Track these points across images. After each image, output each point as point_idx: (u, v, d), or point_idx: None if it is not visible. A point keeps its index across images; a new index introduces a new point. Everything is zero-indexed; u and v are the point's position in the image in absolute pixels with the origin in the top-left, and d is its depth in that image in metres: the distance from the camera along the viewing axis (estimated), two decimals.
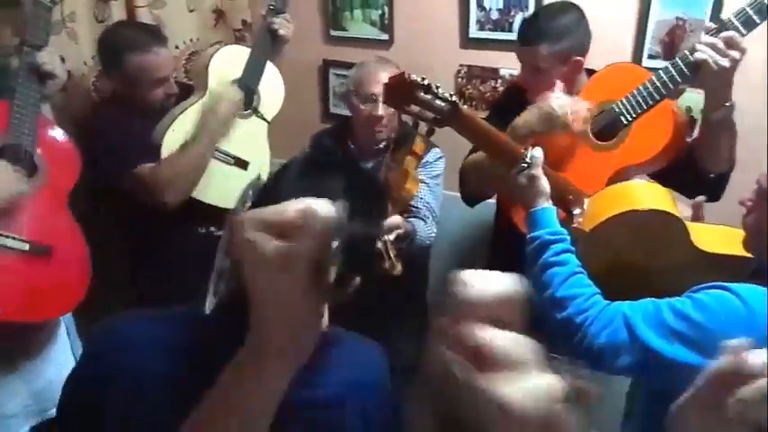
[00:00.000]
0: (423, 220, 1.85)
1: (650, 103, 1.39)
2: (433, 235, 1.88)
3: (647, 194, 1.21)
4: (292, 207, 0.47)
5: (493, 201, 1.86)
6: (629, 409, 1.54)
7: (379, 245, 1.54)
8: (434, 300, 2.11)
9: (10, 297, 1.26)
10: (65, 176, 1.53)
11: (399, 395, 0.88)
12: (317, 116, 2.58)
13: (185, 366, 0.71)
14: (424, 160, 1.86)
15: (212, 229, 1.95)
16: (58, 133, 1.56)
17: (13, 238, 1.37)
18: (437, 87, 1.12)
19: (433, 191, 1.89)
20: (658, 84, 1.37)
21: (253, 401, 0.53)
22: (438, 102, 1.12)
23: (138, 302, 1.96)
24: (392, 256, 1.56)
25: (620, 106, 1.43)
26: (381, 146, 1.88)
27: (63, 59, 1.77)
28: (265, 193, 0.77)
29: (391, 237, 1.61)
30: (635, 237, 1.19)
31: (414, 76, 1.11)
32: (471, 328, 0.35)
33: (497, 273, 0.38)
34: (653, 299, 1.05)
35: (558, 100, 1.40)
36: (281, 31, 1.87)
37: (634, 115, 1.42)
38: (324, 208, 0.47)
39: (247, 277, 0.49)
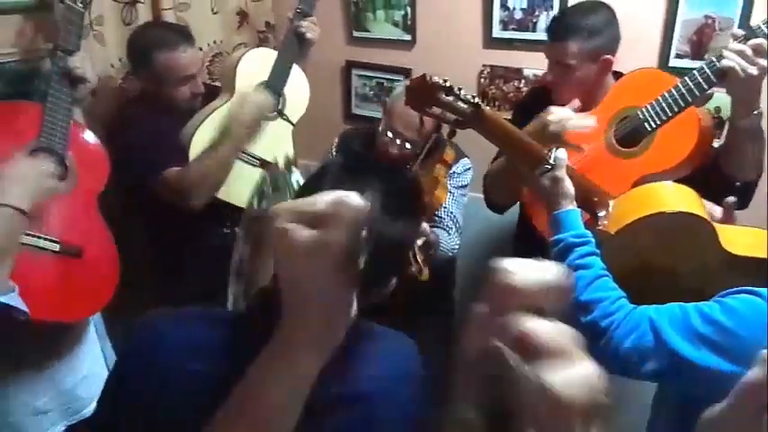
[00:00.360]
0: (446, 230, 1.83)
1: (675, 110, 1.36)
2: (457, 247, 1.86)
3: (675, 196, 1.19)
4: (323, 198, 0.49)
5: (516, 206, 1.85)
6: (655, 416, 1.52)
7: None
8: (461, 308, 2.10)
9: (41, 296, 1.28)
10: (95, 179, 1.55)
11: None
12: (340, 117, 2.59)
13: (222, 365, 0.72)
14: (451, 171, 1.86)
15: (236, 229, 1.98)
16: (88, 136, 1.59)
17: (45, 239, 1.39)
18: (459, 89, 1.11)
19: (457, 201, 1.87)
20: (684, 91, 1.34)
21: (283, 389, 0.54)
22: (460, 103, 1.11)
23: (164, 301, 1.98)
24: (419, 260, 1.56)
25: (645, 113, 1.41)
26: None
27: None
28: (307, 191, 0.77)
29: (419, 242, 1.60)
30: (662, 239, 1.17)
31: (435, 78, 1.10)
32: (515, 316, 0.36)
33: (540, 261, 0.39)
34: (680, 303, 1.03)
35: (556, 114, 1.38)
36: (308, 35, 1.89)
37: (658, 122, 1.39)
38: (354, 198, 0.48)
39: (279, 266, 0.50)
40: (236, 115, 1.76)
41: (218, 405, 0.65)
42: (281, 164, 1.57)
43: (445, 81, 1.10)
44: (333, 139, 2.11)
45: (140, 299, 1.79)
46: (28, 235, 1.35)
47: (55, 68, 1.49)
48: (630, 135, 1.46)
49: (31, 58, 1.72)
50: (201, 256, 1.91)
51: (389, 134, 1.77)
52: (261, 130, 1.89)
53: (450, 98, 1.10)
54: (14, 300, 1.18)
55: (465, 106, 1.11)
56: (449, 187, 1.84)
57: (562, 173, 1.19)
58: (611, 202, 1.26)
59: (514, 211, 1.88)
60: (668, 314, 1.02)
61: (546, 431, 0.33)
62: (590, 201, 1.26)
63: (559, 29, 1.55)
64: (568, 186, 1.18)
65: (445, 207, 1.83)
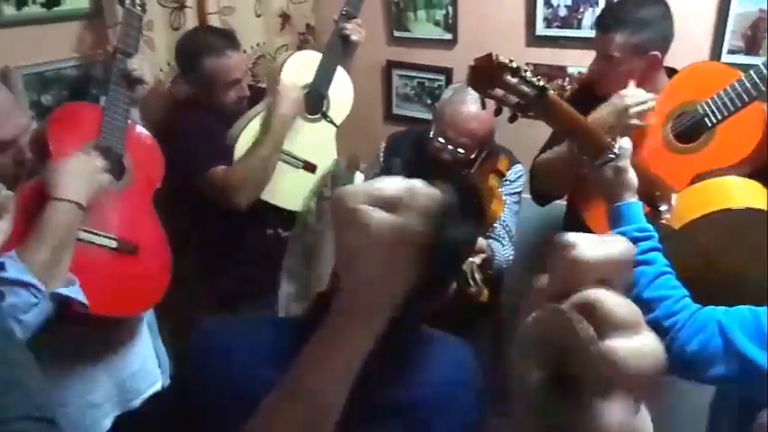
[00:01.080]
0: (499, 241, 1.79)
1: (738, 105, 1.31)
2: (511, 258, 1.82)
3: (743, 191, 1.15)
4: (396, 183, 0.49)
5: (562, 201, 1.82)
6: (713, 420, 1.47)
7: (465, 267, 1.49)
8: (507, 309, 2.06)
9: (98, 292, 1.30)
10: (150, 177, 1.58)
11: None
12: (380, 117, 2.59)
13: (282, 372, 0.72)
14: (505, 178, 1.82)
15: (279, 230, 1.99)
16: (145, 136, 1.62)
17: (103, 236, 1.41)
18: (525, 70, 1.07)
19: (510, 209, 1.83)
20: (749, 85, 1.29)
21: (337, 362, 0.54)
22: (524, 86, 1.07)
23: (209, 300, 2.01)
24: (478, 281, 1.52)
25: (705, 108, 1.37)
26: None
27: None
28: None
29: (477, 260, 1.56)
30: (728, 237, 1.13)
31: (502, 58, 1.05)
32: (584, 288, 0.35)
33: (604, 236, 0.38)
34: (750, 306, 0.99)
35: (635, 97, 1.35)
36: (354, 37, 1.90)
37: (720, 117, 1.35)
38: (425, 186, 0.49)
39: (344, 244, 0.50)
40: (270, 113, 1.79)
41: None
42: (343, 164, 1.56)
43: (511, 61, 1.05)
44: (373, 139, 2.11)
45: (188, 296, 1.83)
46: (86, 231, 1.37)
47: (115, 70, 1.53)
48: (690, 130, 1.42)
49: (85, 64, 1.77)
50: (245, 256, 1.93)
51: (441, 140, 1.74)
52: (305, 133, 1.90)
53: (515, 80, 1.06)
54: (76, 292, 1.21)
55: (529, 90, 1.07)
56: (502, 195, 1.81)
57: (626, 163, 1.15)
58: (675, 196, 1.22)
59: (559, 210, 1.85)
60: (738, 317, 0.99)
61: (611, 400, 0.33)
62: (652, 194, 1.23)
63: (607, 19, 1.52)
64: (632, 177, 1.15)
65: (501, 215, 1.79)
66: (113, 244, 1.44)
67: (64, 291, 1.18)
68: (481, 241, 1.57)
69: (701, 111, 1.37)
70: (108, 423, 1.46)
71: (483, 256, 1.56)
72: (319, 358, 0.54)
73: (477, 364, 0.88)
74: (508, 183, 1.84)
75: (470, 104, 1.71)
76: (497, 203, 1.68)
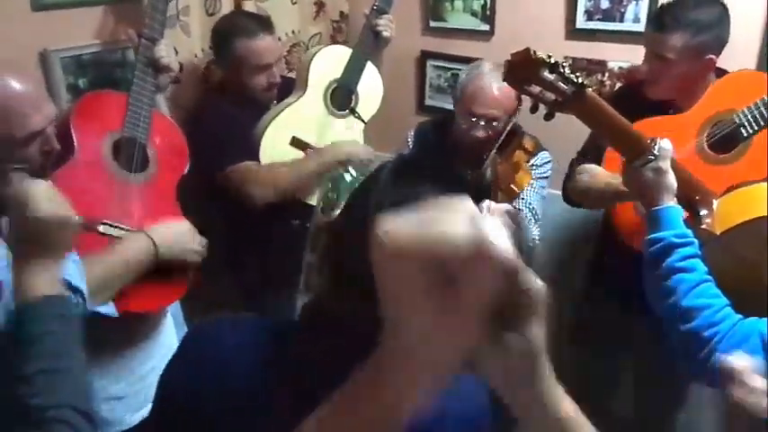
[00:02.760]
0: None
1: None
2: (537, 238, 1.80)
3: None
4: (461, 229, 0.36)
5: None
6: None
7: None
8: None
9: (124, 289, 1.29)
10: (174, 168, 1.57)
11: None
12: (413, 108, 2.55)
13: (269, 378, 0.70)
14: (531, 163, 1.79)
15: (307, 223, 1.98)
16: (170, 125, 1.61)
17: (126, 229, 1.39)
18: (563, 66, 1.03)
19: (537, 192, 1.81)
20: None
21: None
22: (562, 83, 1.03)
23: (237, 290, 2.02)
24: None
25: (741, 117, 1.32)
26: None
27: (176, 51, 1.84)
28: (356, 195, 0.74)
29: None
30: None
31: (540, 53, 1.02)
32: None
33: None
34: None
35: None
36: (385, 33, 1.87)
37: (756, 128, 1.30)
38: (503, 239, 0.36)
39: (386, 301, 0.40)
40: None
41: (264, 417, 0.63)
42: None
43: (550, 57, 1.02)
44: (405, 130, 2.08)
45: (214, 286, 1.83)
46: (109, 225, 1.37)
47: (140, 57, 1.51)
48: (725, 140, 1.37)
49: (116, 49, 1.77)
50: (270, 247, 1.92)
51: (471, 118, 1.72)
52: (332, 128, 1.89)
53: (553, 76, 1.03)
54: (110, 308, 1.24)
55: (567, 87, 1.03)
56: (530, 173, 1.78)
57: (666, 164, 1.10)
58: (716, 201, 1.17)
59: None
60: None
61: None
62: (692, 198, 1.18)
63: (665, 19, 1.45)
64: (671, 180, 1.10)
65: (524, 198, 1.77)
66: None
67: (100, 309, 1.20)
68: (504, 205, 1.54)
69: (736, 120, 1.33)
70: (134, 418, 1.48)
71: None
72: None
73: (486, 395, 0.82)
74: (536, 167, 1.81)
75: (491, 77, 1.71)
76: (523, 174, 1.64)
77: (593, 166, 1.58)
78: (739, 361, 0.83)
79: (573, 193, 1.66)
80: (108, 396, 1.47)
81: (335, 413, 0.47)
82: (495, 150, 1.72)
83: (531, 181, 1.78)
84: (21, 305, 0.78)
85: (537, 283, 0.45)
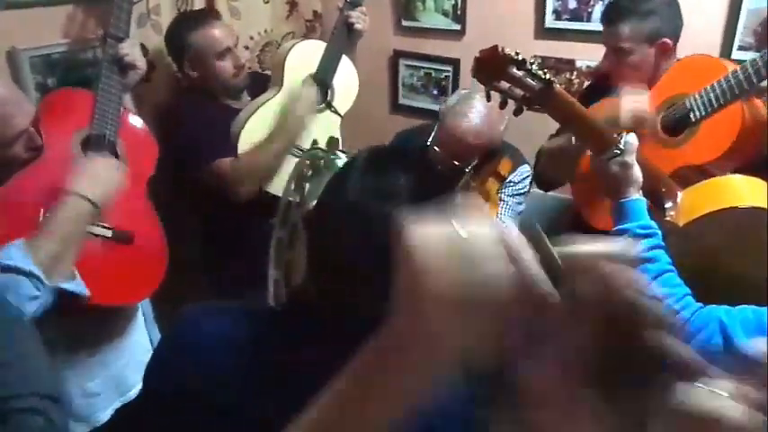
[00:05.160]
0: None
1: (721, 102, 1.29)
2: None
3: (750, 190, 1.13)
4: (502, 268, 0.35)
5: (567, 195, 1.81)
6: None
7: None
8: None
9: (95, 281, 1.29)
10: (144, 164, 1.57)
11: None
12: (387, 107, 2.57)
13: (249, 361, 0.71)
14: (508, 180, 1.82)
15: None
16: (137, 122, 1.61)
17: (98, 225, 1.40)
18: (531, 63, 1.05)
19: (512, 209, 1.83)
20: (733, 82, 1.27)
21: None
22: (530, 79, 1.06)
23: (212, 288, 2.01)
24: None
25: (692, 102, 1.36)
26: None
27: (147, 51, 1.83)
28: (333, 185, 0.75)
29: None
30: (733, 237, 1.12)
31: (507, 50, 1.04)
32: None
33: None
34: (753, 306, 0.98)
35: (635, 100, 1.34)
36: (358, 25, 1.87)
37: (704, 113, 1.33)
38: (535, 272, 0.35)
39: (408, 312, 0.39)
40: (292, 111, 1.77)
41: (245, 400, 0.64)
42: (323, 146, 1.54)
43: (517, 54, 1.04)
44: (379, 128, 2.11)
45: (189, 285, 1.82)
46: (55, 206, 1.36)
47: (106, 56, 1.51)
48: (676, 124, 1.41)
49: (85, 48, 1.75)
50: (246, 245, 1.92)
51: (437, 148, 1.73)
52: (309, 123, 1.89)
53: (521, 73, 1.05)
54: (78, 286, 1.22)
55: (535, 83, 1.06)
56: (503, 196, 1.81)
57: (632, 158, 1.14)
58: (680, 194, 1.21)
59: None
60: (740, 317, 0.98)
61: None
62: (657, 190, 1.21)
63: (612, 12, 1.52)
64: (637, 173, 1.14)
65: (497, 217, 1.79)
66: (108, 233, 1.43)
67: (67, 285, 1.18)
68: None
69: (687, 104, 1.36)
70: (107, 414, 1.49)
71: None
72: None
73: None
74: (511, 184, 1.83)
75: (471, 117, 1.70)
76: (491, 207, 1.67)
77: (551, 141, 1.63)
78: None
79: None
80: (84, 392, 1.48)
81: (328, 414, 0.44)
82: (467, 176, 1.74)
83: (505, 198, 1.81)
84: None
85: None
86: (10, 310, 0.82)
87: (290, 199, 1.57)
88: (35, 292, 1.09)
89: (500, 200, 1.81)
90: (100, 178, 1.29)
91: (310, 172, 1.49)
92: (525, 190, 1.86)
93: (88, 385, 1.50)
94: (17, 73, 1.63)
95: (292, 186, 1.56)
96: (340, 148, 1.88)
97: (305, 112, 1.78)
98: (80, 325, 1.41)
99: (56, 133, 1.39)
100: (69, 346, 1.45)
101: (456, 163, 1.71)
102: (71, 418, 1.40)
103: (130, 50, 1.53)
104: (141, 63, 1.58)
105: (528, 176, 1.85)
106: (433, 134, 1.79)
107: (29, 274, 1.08)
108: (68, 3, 1.70)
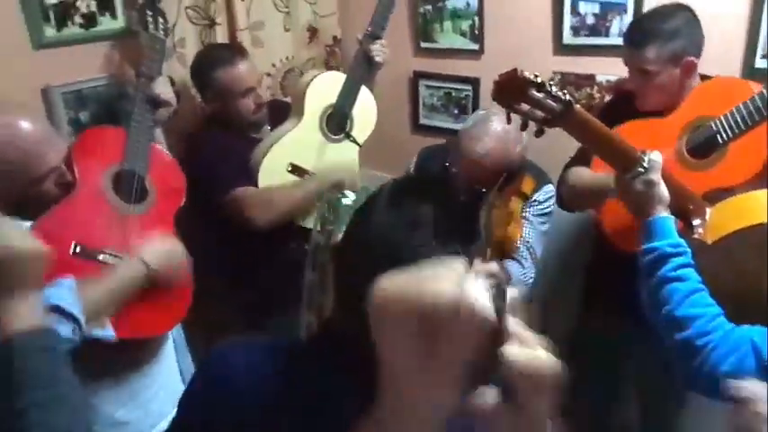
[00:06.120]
0: (519, 262, 1.77)
1: (749, 123, 1.28)
2: (530, 279, 1.80)
3: None
4: (444, 292, 0.39)
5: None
6: None
7: None
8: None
9: (123, 315, 1.32)
10: (172, 198, 1.60)
11: None
12: (407, 127, 2.59)
13: (279, 395, 0.72)
14: (532, 199, 1.81)
15: (305, 246, 2.01)
16: (166, 157, 1.64)
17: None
18: (551, 85, 1.07)
19: (536, 230, 1.82)
20: (760, 104, 1.26)
21: None
22: (550, 101, 1.07)
23: (237, 316, 2.03)
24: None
25: (718, 124, 1.34)
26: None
27: (173, 82, 1.88)
28: (358, 217, 0.76)
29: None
30: (762, 252, 1.10)
31: (526, 73, 1.06)
32: None
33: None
34: None
35: None
36: (378, 58, 1.91)
37: (731, 135, 1.32)
38: (482, 300, 0.40)
39: (379, 348, 0.44)
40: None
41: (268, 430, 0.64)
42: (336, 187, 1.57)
43: (536, 76, 1.06)
44: (400, 149, 2.12)
45: (216, 313, 1.85)
46: (109, 254, 1.40)
47: (138, 93, 1.55)
48: (703, 146, 1.39)
49: (115, 83, 1.82)
50: (270, 271, 1.94)
51: (455, 170, 1.75)
52: (328, 152, 1.93)
53: (541, 95, 1.06)
54: (107, 332, 1.26)
55: (555, 104, 1.07)
56: (528, 215, 1.79)
57: (657, 176, 1.13)
58: (709, 210, 1.20)
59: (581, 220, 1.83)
60: None
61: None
62: (685, 208, 1.20)
63: (636, 35, 1.50)
64: (663, 191, 1.13)
65: (522, 237, 1.78)
66: None
67: (98, 333, 1.22)
68: (492, 266, 1.53)
69: (714, 127, 1.34)
70: None
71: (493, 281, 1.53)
72: None
73: None
74: (536, 203, 1.82)
75: (486, 141, 1.71)
76: (515, 227, 1.67)
77: (579, 168, 1.62)
78: (753, 387, 0.84)
79: (563, 194, 1.69)
80: (113, 421, 1.49)
81: None
82: (490, 196, 1.73)
83: (530, 218, 1.79)
84: (3, 341, 0.79)
85: (541, 356, 0.42)
86: (58, 351, 0.85)
87: (318, 241, 1.60)
88: (70, 335, 1.11)
89: (524, 219, 1.80)
90: (166, 253, 1.40)
91: (331, 213, 1.52)
92: (550, 210, 1.85)
93: (116, 414, 1.50)
94: (51, 109, 1.69)
95: (318, 229, 1.59)
96: (357, 175, 1.91)
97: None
98: (107, 353, 1.41)
99: (88, 170, 1.43)
100: (96, 374, 1.45)
101: (467, 183, 1.71)
102: None
103: (163, 88, 1.58)
104: (172, 100, 1.63)
105: (552, 196, 1.84)
106: (451, 155, 1.80)
107: (71, 317, 1.10)
108: (98, 40, 1.77)
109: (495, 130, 1.71)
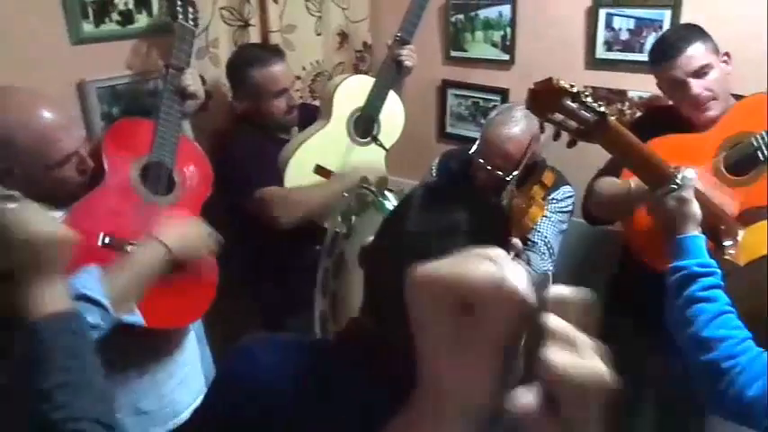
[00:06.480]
0: (538, 254, 1.76)
1: None
2: (549, 271, 1.78)
3: None
4: (481, 269, 0.39)
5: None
6: None
7: None
8: None
9: (149, 305, 1.32)
10: (199, 191, 1.61)
11: None
12: (434, 135, 2.59)
13: (302, 393, 0.72)
14: (551, 197, 1.80)
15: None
16: (195, 149, 1.65)
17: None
18: (586, 95, 1.05)
19: (554, 226, 1.80)
20: None
21: None
22: (584, 112, 1.06)
23: (257, 314, 2.04)
24: None
25: (759, 140, 1.32)
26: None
27: (205, 81, 1.91)
28: (390, 222, 0.76)
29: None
30: None
31: (562, 82, 1.05)
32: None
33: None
34: None
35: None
36: (408, 62, 1.92)
37: None
38: (520, 280, 0.38)
39: (415, 332, 0.42)
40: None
41: (292, 427, 0.64)
42: (373, 183, 1.56)
43: (572, 86, 1.05)
44: (426, 156, 2.11)
45: (237, 307, 1.86)
46: (137, 245, 1.40)
47: (167, 85, 1.57)
48: (741, 163, 1.37)
49: (147, 79, 1.84)
50: (290, 272, 1.95)
51: (481, 160, 1.75)
52: (355, 155, 1.93)
53: (575, 105, 1.05)
54: (136, 317, 1.26)
55: (589, 115, 1.05)
56: (546, 211, 1.78)
57: (690, 194, 1.11)
58: (742, 232, 1.17)
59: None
60: None
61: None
62: (716, 228, 1.17)
63: (670, 46, 1.48)
64: (695, 209, 1.11)
65: (539, 231, 1.76)
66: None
67: (128, 318, 1.22)
68: (517, 241, 1.52)
69: (754, 143, 1.32)
70: None
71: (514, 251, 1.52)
72: None
73: None
74: (555, 201, 1.81)
75: (511, 126, 1.73)
76: (537, 208, 1.65)
77: (607, 178, 1.60)
78: None
79: (590, 205, 1.67)
80: (136, 410, 1.50)
81: None
82: (512, 184, 1.73)
83: (548, 214, 1.78)
84: (32, 324, 0.80)
85: (587, 365, 0.39)
86: (84, 335, 0.86)
87: (337, 230, 1.60)
88: (99, 321, 1.12)
89: (544, 216, 1.78)
90: (185, 234, 1.38)
91: (357, 206, 1.52)
92: (569, 209, 1.84)
93: (139, 404, 1.52)
94: (85, 103, 1.72)
95: (339, 218, 1.59)
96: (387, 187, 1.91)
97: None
98: (130, 344, 1.43)
99: (117, 161, 1.45)
100: (119, 364, 1.47)
101: (498, 173, 1.72)
102: None
103: (192, 80, 1.60)
104: (200, 92, 1.64)
105: (571, 197, 1.84)
106: (476, 145, 1.81)
107: (98, 304, 1.12)
108: (133, 37, 1.80)
109: (519, 117, 1.76)
